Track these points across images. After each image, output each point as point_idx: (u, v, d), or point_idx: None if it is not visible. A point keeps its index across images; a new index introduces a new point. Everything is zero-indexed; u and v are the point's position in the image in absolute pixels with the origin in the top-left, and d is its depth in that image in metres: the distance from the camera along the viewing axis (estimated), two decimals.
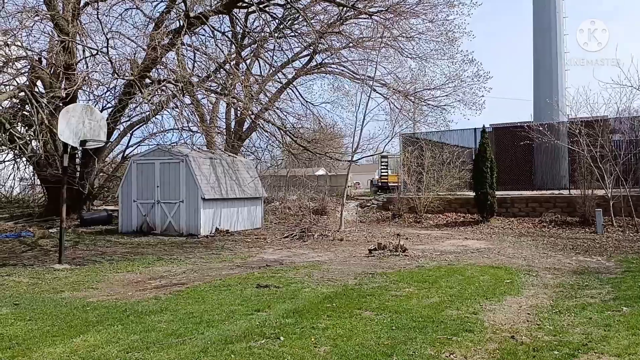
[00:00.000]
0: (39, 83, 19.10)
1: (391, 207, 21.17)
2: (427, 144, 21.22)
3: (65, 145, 10.50)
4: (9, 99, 14.73)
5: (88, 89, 19.47)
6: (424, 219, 19.84)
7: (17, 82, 16.08)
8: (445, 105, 23.95)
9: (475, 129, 22.46)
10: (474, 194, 19.16)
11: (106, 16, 20.03)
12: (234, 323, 5.85)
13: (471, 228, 18.23)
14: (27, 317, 6.11)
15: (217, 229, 16.98)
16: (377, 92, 21.64)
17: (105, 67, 16.59)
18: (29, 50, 16.84)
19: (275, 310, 6.47)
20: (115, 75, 14.73)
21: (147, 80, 17.31)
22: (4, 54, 15.81)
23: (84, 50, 18.33)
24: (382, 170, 30.01)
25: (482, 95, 27.26)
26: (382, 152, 18.81)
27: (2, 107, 15.47)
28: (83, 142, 10.45)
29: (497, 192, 19.05)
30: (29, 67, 17.92)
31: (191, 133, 17.67)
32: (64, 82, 17.20)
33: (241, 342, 5.10)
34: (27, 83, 17.33)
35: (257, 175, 20.06)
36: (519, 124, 22.34)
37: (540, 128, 19.40)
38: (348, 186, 29.13)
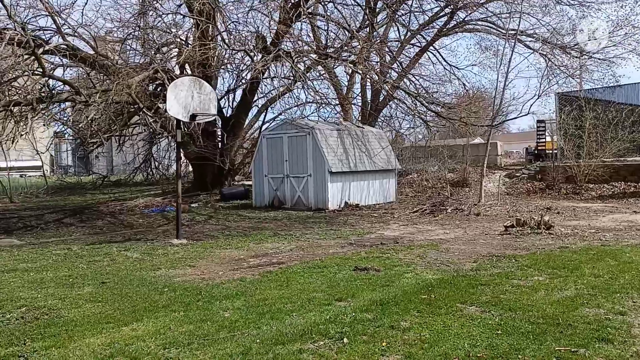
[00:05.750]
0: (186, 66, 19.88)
1: (544, 176, 18.65)
2: (587, 102, 18.20)
3: (177, 121, 10.44)
4: (146, 81, 15.31)
5: (231, 67, 19.88)
6: (584, 190, 17.13)
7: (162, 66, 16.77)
8: (613, 58, 20.49)
9: None
10: None
11: None
12: (303, 315, 5.00)
13: None
14: (100, 298, 5.90)
15: (347, 203, 16.29)
16: (525, 46, 19.08)
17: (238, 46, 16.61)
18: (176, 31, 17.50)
19: (359, 300, 5.49)
20: (231, 48, 14.53)
21: (278, 53, 16.94)
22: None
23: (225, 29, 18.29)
24: (539, 136, 26.86)
25: None
26: (528, 113, 16.44)
27: (146, 90, 16.23)
28: (193, 117, 10.29)
29: None
30: (177, 50, 18.65)
31: (317, 105, 17.02)
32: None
33: (294, 343, 4.22)
34: (173, 67, 18.09)
35: (389, 146, 18.92)
36: None
37: None
38: (497, 155, 26.67)
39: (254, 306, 5.39)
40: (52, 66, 16.18)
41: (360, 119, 22.59)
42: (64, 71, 16.21)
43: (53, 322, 5.05)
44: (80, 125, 15.23)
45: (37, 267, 8.03)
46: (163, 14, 16.88)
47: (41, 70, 12.57)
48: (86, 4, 18.01)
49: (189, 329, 4.70)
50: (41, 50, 13.14)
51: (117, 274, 7.30)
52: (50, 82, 15.19)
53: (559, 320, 4.73)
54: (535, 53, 19.94)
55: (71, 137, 27.63)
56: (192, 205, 17.94)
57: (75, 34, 15.45)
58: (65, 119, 16.34)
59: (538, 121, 27.06)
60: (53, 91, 14.09)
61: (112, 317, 5.11)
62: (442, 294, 5.67)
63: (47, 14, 14.88)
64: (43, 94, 13.79)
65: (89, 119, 12.67)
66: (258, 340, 4.30)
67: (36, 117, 13.46)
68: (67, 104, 16.81)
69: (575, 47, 20.36)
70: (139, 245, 10.13)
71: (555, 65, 19.94)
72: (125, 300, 5.79)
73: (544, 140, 25.98)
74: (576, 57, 20.47)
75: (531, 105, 31.81)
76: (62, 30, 15.06)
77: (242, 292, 6.03)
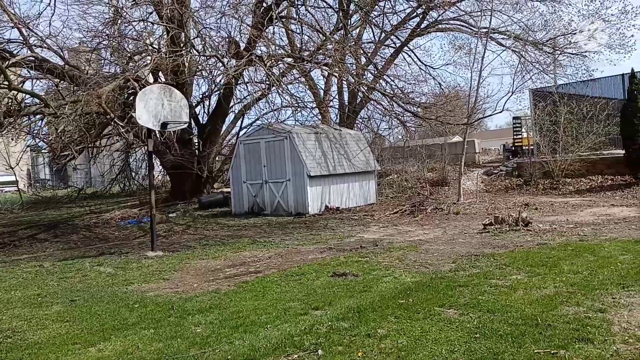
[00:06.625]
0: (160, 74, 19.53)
1: (522, 173, 18.76)
2: (561, 97, 18.34)
3: (149, 130, 10.22)
4: (117, 90, 15.00)
5: (205, 73, 19.60)
6: (562, 185, 17.24)
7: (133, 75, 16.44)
8: (586, 52, 20.71)
9: (623, 74, 19.01)
10: (624, 151, 16.17)
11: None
12: (278, 327, 4.85)
13: (620, 192, 15.42)
14: (68, 317, 5.68)
15: (327, 207, 16.16)
16: (498, 44, 19.20)
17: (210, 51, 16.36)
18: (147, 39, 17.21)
19: (336, 308, 5.36)
20: (201, 54, 14.33)
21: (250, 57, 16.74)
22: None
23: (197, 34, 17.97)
24: (515, 133, 27.05)
25: (632, 35, 23.27)
26: (502, 110, 16.50)
27: (117, 99, 15.90)
28: (164, 125, 10.08)
29: None
30: (149, 58, 18.31)
31: (294, 109, 16.88)
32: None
33: (266, 358, 4.07)
34: (146, 75, 17.75)
35: (368, 147, 18.86)
36: None
37: None
38: (475, 153, 26.79)
39: (227, 319, 5.22)
40: (21, 79, 15.83)
41: (338, 121, 22.51)
42: (32, 83, 15.82)
43: (17, 345, 4.82)
44: (50, 138, 14.89)
45: (5, 286, 7.75)
46: (132, 21, 16.60)
47: (7, 83, 12.23)
48: (53, 14, 17.63)
49: (158, 347, 4.52)
50: (7, 63, 12.80)
51: (87, 290, 7.07)
52: (20, 95, 14.85)
53: (538, 321, 4.65)
54: (508, 50, 20.10)
55: (45, 151, 27.10)
56: (170, 215, 17.64)
57: (44, 44, 15.12)
58: (35, 131, 15.95)
59: (514, 118, 27.26)
60: (21, 104, 13.77)
61: (79, 338, 4.90)
62: (421, 297, 5.56)
63: (13, 25, 14.54)
64: (11, 108, 13.46)
65: (58, 131, 12.36)
66: (229, 357, 4.14)
67: (4, 131, 13.12)
68: (38, 116, 16.48)
69: (548, 42, 20.55)
70: (113, 259, 9.87)
71: (528, 61, 20.12)
72: (94, 318, 5.57)
73: (520, 136, 26.16)
74: (549, 53, 20.67)
75: (505, 102, 32.16)
76: (30, 41, 14.73)
77: (216, 304, 5.86)
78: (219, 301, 6.00)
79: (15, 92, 14.14)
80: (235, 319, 5.21)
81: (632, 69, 16.31)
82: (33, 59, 14.53)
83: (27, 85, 16.03)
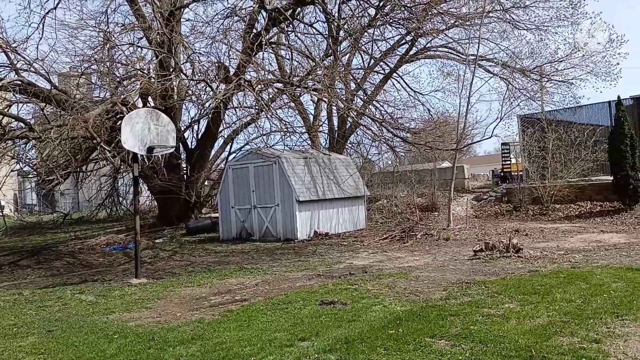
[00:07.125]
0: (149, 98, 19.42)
1: (511, 198, 18.73)
2: (549, 124, 18.45)
3: (134, 154, 10.06)
4: (103, 114, 14.85)
5: (195, 97, 19.51)
6: (551, 211, 17.20)
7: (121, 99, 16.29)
8: (572, 80, 20.97)
9: (609, 101, 19.19)
10: (612, 178, 16.21)
11: (209, 25, 20.19)
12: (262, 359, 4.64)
13: (610, 219, 15.38)
14: (43, 349, 5.43)
15: (316, 232, 15.97)
16: (486, 71, 19.38)
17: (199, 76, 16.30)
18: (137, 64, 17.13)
19: (323, 338, 5.16)
20: (189, 78, 14.28)
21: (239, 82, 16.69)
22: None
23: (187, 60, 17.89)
24: (504, 159, 27.19)
25: (617, 63, 23.65)
26: (491, 136, 16.59)
27: (105, 123, 15.74)
28: (150, 149, 9.93)
29: None
30: (138, 83, 18.23)
31: (283, 134, 16.82)
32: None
33: None
34: (135, 100, 17.62)
35: (357, 172, 18.78)
36: None
37: None
38: (465, 178, 26.84)
39: (210, 351, 5.00)
40: (7, 103, 15.63)
41: (327, 146, 22.49)
42: (18, 107, 15.63)
43: None
44: (34, 163, 14.67)
45: None
46: (121, 45, 16.54)
47: None
48: (41, 38, 17.48)
49: None
50: None
51: (66, 320, 6.81)
52: (5, 119, 14.62)
53: (532, 352, 4.49)
54: (496, 77, 20.30)
55: (31, 176, 26.75)
56: (157, 240, 17.36)
57: (31, 68, 14.99)
58: (20, 155, 15.73)
59: (502, 144, 27.47)
60: (5, 128, 13.56)
61: None
62: (411, 327, 5.38)
63: (0, 50, 14.40)
64: None
65: (43, 155, 12.16)
66: None
67: None
68: (23, 140, 16.23)
69: (535, 70, 20.79)
70: (95, 286, 9.60)
71: (516, 88, 20.34)
72: (70, 350, 5.33)
73: (509, 162, 26.28)
74: (536, 80, 20.91)
75: (494, 128, 32.29)
76: (17, 65, 14.59)
77: (199, 335, 5.63)
78: (202, 331, 5.78)
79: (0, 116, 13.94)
80: (218, 350, 5.00)
81: (619, 96, 16.45)
82: (19, 82, 14.39)
83: (13, 109, 15.82)
